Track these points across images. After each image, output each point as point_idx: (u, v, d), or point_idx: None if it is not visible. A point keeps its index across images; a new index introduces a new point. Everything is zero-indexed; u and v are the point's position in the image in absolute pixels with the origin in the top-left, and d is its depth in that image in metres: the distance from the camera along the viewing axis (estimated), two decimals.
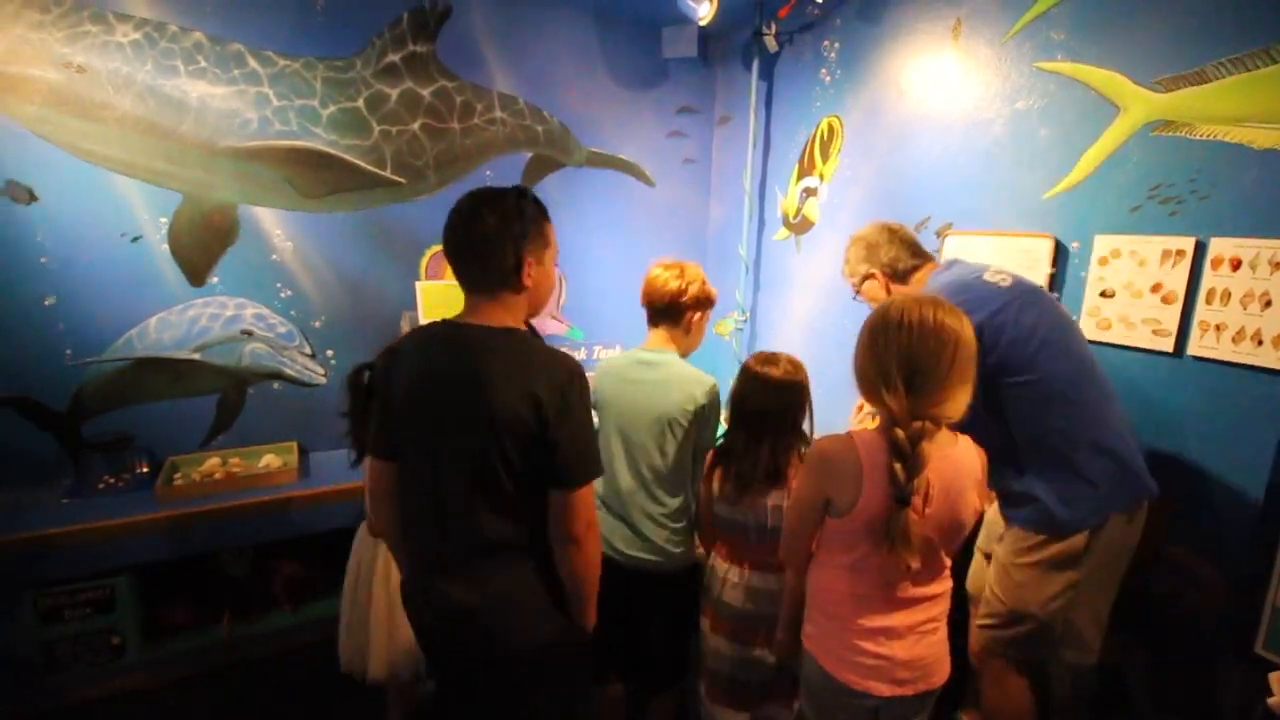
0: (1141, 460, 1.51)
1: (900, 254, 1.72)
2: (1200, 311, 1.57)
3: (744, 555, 1.58)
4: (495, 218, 1.17)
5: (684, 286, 1.63)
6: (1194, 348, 1.58)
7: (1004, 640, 1.56)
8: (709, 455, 1.64)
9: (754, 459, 1.52)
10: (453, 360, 1.17)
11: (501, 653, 1.21)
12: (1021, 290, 1.50)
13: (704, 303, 1.68)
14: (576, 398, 1.15)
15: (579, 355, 3.22)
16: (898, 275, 1.73)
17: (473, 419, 1.14)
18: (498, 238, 1.17)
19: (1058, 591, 1.49)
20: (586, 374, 1.21)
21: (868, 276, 1.77)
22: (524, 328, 1.24)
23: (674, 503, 1.65)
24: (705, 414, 1.62)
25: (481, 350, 1.16)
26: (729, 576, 1.58)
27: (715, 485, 1.58)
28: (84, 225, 2.23)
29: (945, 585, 1.26)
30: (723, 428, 1.69)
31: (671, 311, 1.66)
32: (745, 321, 3.29)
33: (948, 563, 1.24)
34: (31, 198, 2.15)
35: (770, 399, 1.52)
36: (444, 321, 1.24)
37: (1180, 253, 1.59)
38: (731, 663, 1.57)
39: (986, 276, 1.53)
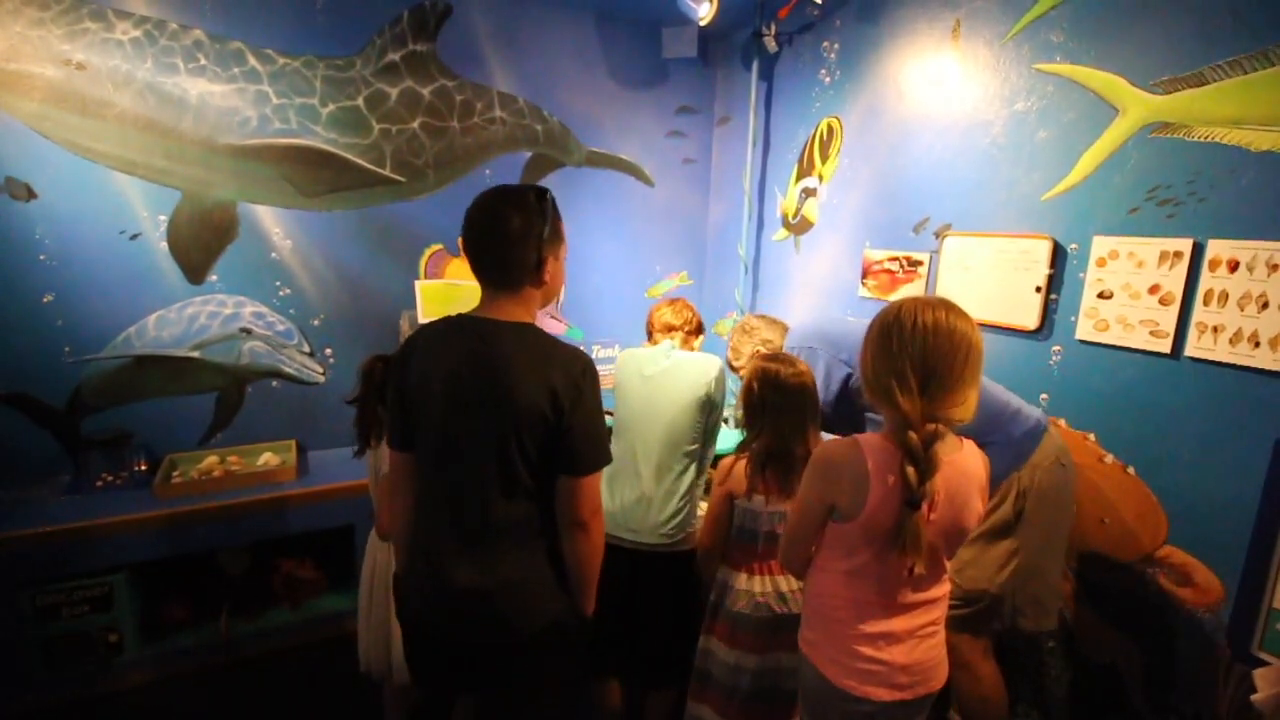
0: (1025, 408, 1.66)
1: (775, 335, 2.10)
2: (1198, 313, 1.57)
3: (769, 564, 1.55)
4: (520, 217, 1.20)
5: (690, 316, 1.95)
6: (1191, 349, 1.59)
7: (961, 619, 1.63)
8: (742, 463, 1.56)
9: (805, 451, 1.51)
10: (473, 352, 1.21)
11: (507, 634, 1.24)
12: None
13: (701, 328, 1.99)
14: (589, 388, 1.21)
15: None
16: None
17: (494, 408, 1.18)
18: (523, 237, 1.20)
19: (1002, 562, 1.60)
20: (599, 367, 1.30)
21: (752, 355, 2.06)
22: (535, 322, 1.29)
23: (686, 478, 1.76)
24: (717, 392, 1.76)
25: (501, 343, 1.20)
26: (750, 587, 1.53)
27: (760, 499, 1.52)
28: (83, 222, 2.23)
29: (944, 589, 1.25)
30: (732, 435, 1.71)
31: (680, 328, 1.92)
32: None
33: (948, 566, 1.24)
34: (30, 195, 2.15)
35: (803, 396, 1.54)
36: (460, 315, 1.27)
37: (1178, 254, 1.60)
38: (756, 675, 1.52)
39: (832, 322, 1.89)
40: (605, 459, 1.25)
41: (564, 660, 1.33)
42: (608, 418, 1.92)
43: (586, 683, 1.48)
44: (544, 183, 3.06)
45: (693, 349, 1.94)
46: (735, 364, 2.16)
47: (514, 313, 1.24)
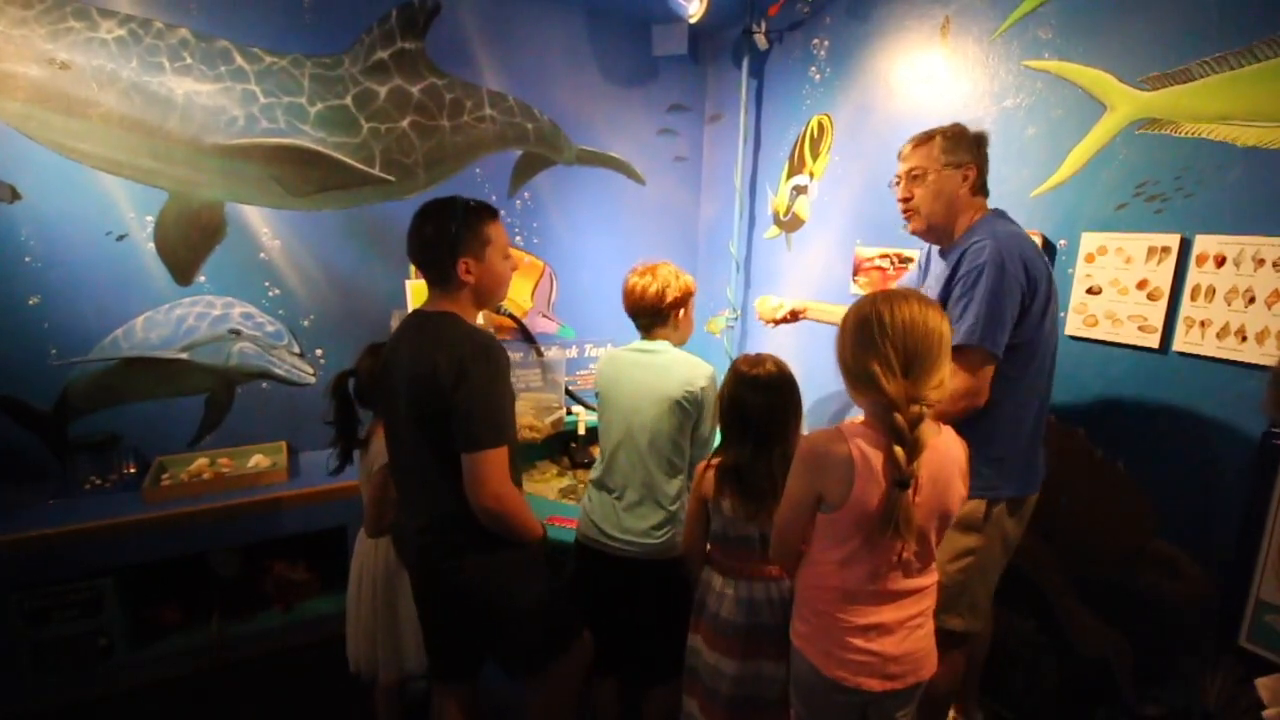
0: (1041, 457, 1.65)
1: (985, 162, 1.61)
2: (1185, 308, 1.58)
3: (746, 568, 1.52)
4: (431, 226, 1.39)
5: (661, 290, 1.70)
6: (1179, 344, 1.60)
7: None
8: (710, 473, 1.53)
9: (768, 469, 1.45)
10: (400, 343, 1.44)
11: (458, 587, 1.46)
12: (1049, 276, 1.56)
13: (684, 299, 1.75)
14: (479, 369, 1.30)
15: (570, 353, 3.21)
16: (979, 179, 1.59)
17: (400, 388, 1.38)
18: (434, 243, 1.39)
19: (957, 553, 1.57)
20: (506, 353, 1.40)
21: (952, 165, 1.57)
22: (465, 315, 1.44)
23: (674, 484, 1.70)
24: (705, 399, 1.67)
25: (417, 333, 1.41)
26: (728, 591, 1.51)
27: (727, 505, 1.48)
28: (69, 224, 2.21)
29: (933, 578, 1.27)
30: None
31: (657, 315, 1.73)
32: (736, 319, 3.30)
33: (935, 554, 1.25)
34: (15, 196, 2.13)
35: (774, 399, 1.47)
36: (411, 312, 1.50)
37: (1166, 250, 1.61)
38: (734, 681, 1.49)
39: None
40: (493, 440, 1.31)
41: (512, 589, 1.47)
42: (591, 418, 1.91)
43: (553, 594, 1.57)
44: (534, 181, 3.06)
45: (677, 326, 1.76)
46: (916, 155, 1.65)
47: (440, 305, 1.43)
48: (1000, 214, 1.60)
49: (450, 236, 1.38)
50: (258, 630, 2.39)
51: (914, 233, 1.69)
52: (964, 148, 1.58)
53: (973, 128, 1.61)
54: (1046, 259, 1.56)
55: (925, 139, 1.62)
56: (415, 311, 1.48)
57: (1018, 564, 1.94)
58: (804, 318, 2.22)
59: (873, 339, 1.14)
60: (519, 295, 3.11)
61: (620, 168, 3.27)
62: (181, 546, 2.21)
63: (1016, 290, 1.44)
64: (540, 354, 2.80)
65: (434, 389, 1.30)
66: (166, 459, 2.43)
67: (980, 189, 1.60)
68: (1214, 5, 1.51)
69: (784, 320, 2.22)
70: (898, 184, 1.67)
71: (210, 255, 2.45)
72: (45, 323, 2.22)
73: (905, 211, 1.67)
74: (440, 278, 1.42)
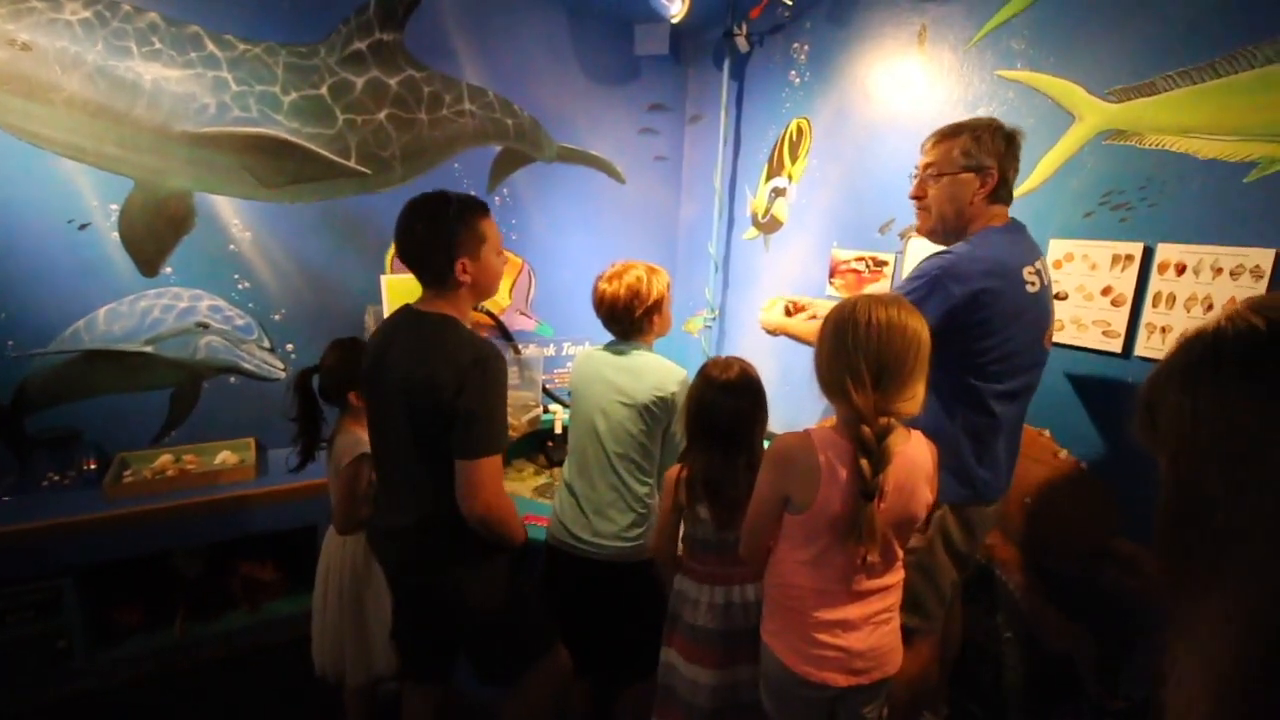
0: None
1: (1013, 166, 1.52)
2: (1147, 314, 1.63)
3: (722, 573, 1.50)
4: (424, 226, 1.35)
5: (629, 302, 1.68)
6: (1141, 349, 1.65)
7: None
8: (683, 481, 1.50)
9: (734, 477, 1.45)
10: (392, 340, 1.40)
11: (438, 590, 1.44)
12: (1040, 305, 1.50)
13: (656, 307, 1.72)
14: (478, 380, 1.30)
15: (548, 351, 3.20)
16: (999, 187, 1.50)
17: (394, 388, 1.35)
18: (429, 242, 1.35)
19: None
20: (505, 361, 1.38)
21: (971, 169, 1.50)
22: (462, 315, 1.42)
23: (643, 487, 1.70)
24: (675, 404, 1.67)
25: (412, 333, 1.38)
26: (704, 598, 1.49)
27: (704, 512, 1.46)
28: (28, 211, 2.13)
29: (898, 576, 1.29)
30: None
31: (630, 325, 1.72)
32: (714, 319, 3.31)
33: (900, 554, 1.28)
34: None
35: (741, 404, 1.46)
36: (404, 306, 1.45)
37: (1130, 258, 1.66)
38: (712, 692, 1.46)
39: (1025, 274, 1.47)
40: (489, 449, 1.32)
41: (492, 597, 1.46)
42: (567, 417, 1.90)
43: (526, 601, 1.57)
44: (514, 178, 3.03)
45: (652, 329, 1.76)
46: (928, 158, 1.61)
47: (436, 305, 1.41)
48: (1011, 228, 1.53)
49: (445, 237, 1.34)
50: (223, 631, 2.33)
51: (921, 233, 1.66)
52: (988, 151, 1.49)
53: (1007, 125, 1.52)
54: (1033, 296, 1.46)
55: (950, 134, 1.54)
56: (409, 309, 1.43)
57: (984, 561, 1.99)
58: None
59: (845, 347, 1.14)
60: (497, 292, 3.09)
61: (601, 166, 3.26)
62: (144, 545, 2.15)
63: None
64: (518, 352, 2.79)
65: (434, 399, 1.29)
66: (129, 455, 2.36)
67: (1000, 197, 1.52)
68: (1179, 22, 1.56)
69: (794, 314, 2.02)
70: (915, 177, 1.61)
71: (177, 246, 2.38)
72: (2, 313, 2.14)
73: (918, 210, 1.62)
74: (435, 278, 1.39)
